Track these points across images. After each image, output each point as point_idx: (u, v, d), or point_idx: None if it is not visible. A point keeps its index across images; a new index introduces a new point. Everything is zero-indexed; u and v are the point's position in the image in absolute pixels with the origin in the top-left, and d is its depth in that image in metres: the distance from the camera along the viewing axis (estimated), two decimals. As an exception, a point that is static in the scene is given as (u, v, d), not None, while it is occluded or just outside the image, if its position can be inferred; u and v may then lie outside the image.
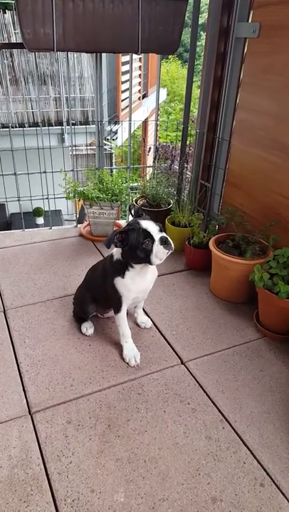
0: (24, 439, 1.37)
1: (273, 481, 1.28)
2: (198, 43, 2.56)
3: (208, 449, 1.37)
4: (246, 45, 2.13)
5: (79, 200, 2.67)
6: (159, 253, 1.50)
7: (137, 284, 1.62)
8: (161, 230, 1.52)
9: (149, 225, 1.50)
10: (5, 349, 1.76)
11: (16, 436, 1.38)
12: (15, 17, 5.55)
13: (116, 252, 1.64)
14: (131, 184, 2.82)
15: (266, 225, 2.02)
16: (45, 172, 2.77)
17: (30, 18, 2.09)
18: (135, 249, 1.50)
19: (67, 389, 1.57)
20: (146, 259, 1.52)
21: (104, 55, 2.57)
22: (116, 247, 1.54)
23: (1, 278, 2.24)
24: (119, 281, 1.61)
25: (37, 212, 6.69)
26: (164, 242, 1.49)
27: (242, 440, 1.40)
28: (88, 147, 5.26)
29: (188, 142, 2.79)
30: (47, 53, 5.78)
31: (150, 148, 3.09)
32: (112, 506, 1.20)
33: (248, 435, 1.42)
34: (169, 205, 2.71)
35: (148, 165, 3.18)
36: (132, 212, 1.69)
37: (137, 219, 1.55)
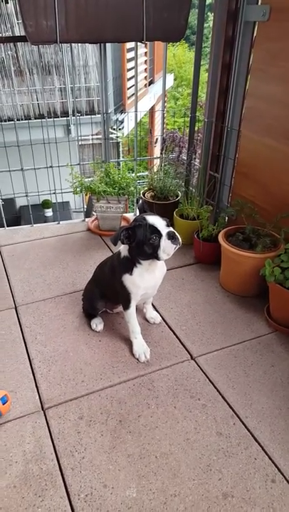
0: (38, 435, 1.40)
1: (285, 477, 1.28)
2: (205, 25, 2.47)
3: (219, 444, 1.38)
4: (255, 29, 2.06)
5: (86, 194, 2.66)
6: (167, 248, 1.49)
7: (145, 281, 1.61)
8: (168, 225, 1.51)
9: (155, 220, 1.49)
10: (17, 345, 1.78)
11: (29, 432, 1.41)
12: (18, 7, 5.46)
13: (123, 248, 1.63)
14: (139, 173, 2.79)
15: (277, 217, 1.98)
16: (51, 167, 2.76)
17: (32, 10, 2.05)
18: (142, 245, 1.49)
19: (78, 385, 1.58)
20: (154, 255, 1.51)
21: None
22: (123, 243, 1.53)
23: (11, 275, 2.26)
24: (127, 278, 1.60)
25: (45, 204, 6.71)
26: (171, 237, 1.48)
27: (253, 436, 1.41)
28: (94, 136, 5.20)
29: (196, 128, 2.73)
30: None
31: (157, 139, 3.04)
32: (124, 501, 1.21)
33: (259, 431, 1.42)
34: (177, 197, 2.68)
35: (155, 156, 3.14)
36: (137, 207, 1.67)
37: (143, 214, 1.54)
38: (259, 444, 1.38)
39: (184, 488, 1.25)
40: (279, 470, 1.30)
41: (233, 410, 1.50)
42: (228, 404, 1.52)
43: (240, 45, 2.16)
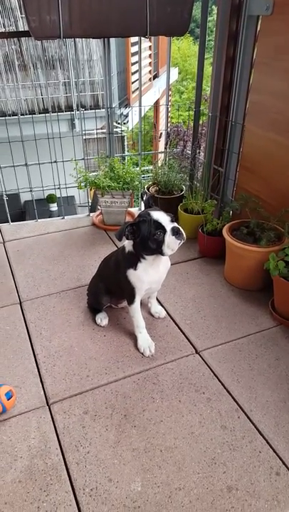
0: (43, 430, 1.41)
1: (289, 471, 1.29)
2: (209, 18, 2.44)
3: (223, 438, 1.38)
4: (259, 23, 2.04)
5: (91, 189, 2.66)
6: (171, 244, 1.49)
7: (149, 276, 1.61)
8: (172, 220, 1.51)
9: (160, 215, 1.49)
10: (22, 341, 1.79)
11: (34, 427, 1.42)
12: (21, 1, 5.43)
13: (128, 244, 1.63)
14: (143, 167, 2.78)
15: (282, 211, 1.97)
16: (56, 161, 2.75)
17: (35, 5, 2.04)
18: (147, 240, 1.49)
19: (83, 379, 1.59)
20: (158, 250, 1.51)
21: (112, 37, 2.50)
22: (127, 239, 1.53)
23: (16, 270, 2.27)
24: (131, 273, 1.61)
25: (50, 198, 6.72)
26: (175, 232, 1.48)
27: (257, 429, 1.41)
28: (99, 130, 5.18)
29: (200, 122, 2.71)
30: (55, 37, 5.65)
31: (161, 133, 3.02)
32: (129, 495, 1.22)
33: (263, 424, 1.42)
34: (181, 191, 2.67)
35: (160, 150, 3.12)
36: (143, 201, 1.67)
37: (147, 210, 1.54)
38: (263, 437, 1.38)
39: (189, 481, 1.26)
40: (283, 463, 1.31)
41: (238, 404, 1.50)
42: (232, 397, 1.52)
43: (244, 38, 2.14)
